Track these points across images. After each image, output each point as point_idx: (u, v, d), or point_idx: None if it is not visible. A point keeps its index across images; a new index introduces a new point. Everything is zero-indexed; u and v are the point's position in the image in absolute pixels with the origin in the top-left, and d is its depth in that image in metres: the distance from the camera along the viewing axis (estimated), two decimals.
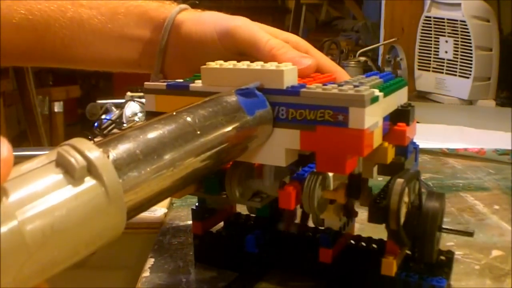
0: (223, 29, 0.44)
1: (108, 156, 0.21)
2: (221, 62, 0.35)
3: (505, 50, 1.17)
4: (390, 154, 0.34)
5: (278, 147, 0.32)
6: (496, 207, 0.54)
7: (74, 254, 0.19)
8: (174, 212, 0.54)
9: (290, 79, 0.32)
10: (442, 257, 0.36)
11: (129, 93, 1.11)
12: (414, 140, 0.38)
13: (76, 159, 0.19)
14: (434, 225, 0.33)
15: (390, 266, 0.33)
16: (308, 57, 0.38)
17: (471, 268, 0.40)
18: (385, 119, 0.33)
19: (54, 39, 0.49)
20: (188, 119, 0.27)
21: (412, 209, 0.33)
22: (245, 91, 0.31)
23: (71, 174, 0.19)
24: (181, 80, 0.37)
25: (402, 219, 0.32)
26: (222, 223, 0.44)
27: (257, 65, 0.33)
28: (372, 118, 0.30)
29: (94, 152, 0.20)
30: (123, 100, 1.07)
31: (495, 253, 0.43)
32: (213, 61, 0.35)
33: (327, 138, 0.30)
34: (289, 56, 0.38)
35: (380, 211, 0.32)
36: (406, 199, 0.32)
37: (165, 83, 0.36)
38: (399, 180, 0.32)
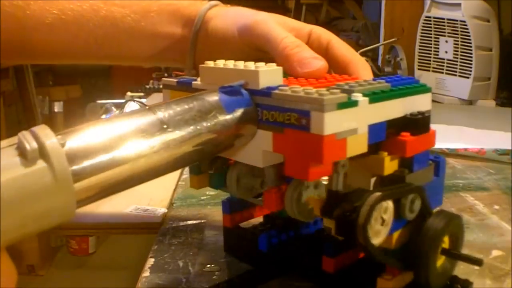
0: (242, 24, 0.44)
1: (63, 143, 0.23)
2: (220, 61, 0.36)
3: (505, 50, 1.17)
4: (389, 166, 0.32)
5: (255, 148, 0.32)
6: (496, 207, 0.54)
7: (21, 226, 0.22)
8: (174, 212, 0.54)
9: (268, 80, 0.32)
10: (458, 286, 0.34)
11: (129, 93, 1.12)
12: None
13: (29, 143, 0.22)
14: (433, 247, 0.31)
15: (385, 286, 0.32)
16: (319, 59, 0.37)
17: (471, 268, 0.40)
18: (380, 126, 0.32)
19: (87, 38, 0.50)
20: (159, 113, 0.27)
21: (412, 227, 0.31)
22: (228, 89, 0.31)
23: (24, 156, 0.22)
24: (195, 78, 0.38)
25: (380, 238, 0.30)
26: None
27: (241, 65, 0.34)
28: (341, 124, 0.29)
29: (49, 139, 0.22)
30: (123, 100, 1.07)
31: (495, 253, 0.43)
32: (235, 57, 0.36)
33: (293, 141, 0.29)
34: (300, 56, 0.38)
35: (346, 224, 0.29)
36: (385, 214, 0.30)
37: (176, 80, 0.37)
38: (375, 194, 0.29)
